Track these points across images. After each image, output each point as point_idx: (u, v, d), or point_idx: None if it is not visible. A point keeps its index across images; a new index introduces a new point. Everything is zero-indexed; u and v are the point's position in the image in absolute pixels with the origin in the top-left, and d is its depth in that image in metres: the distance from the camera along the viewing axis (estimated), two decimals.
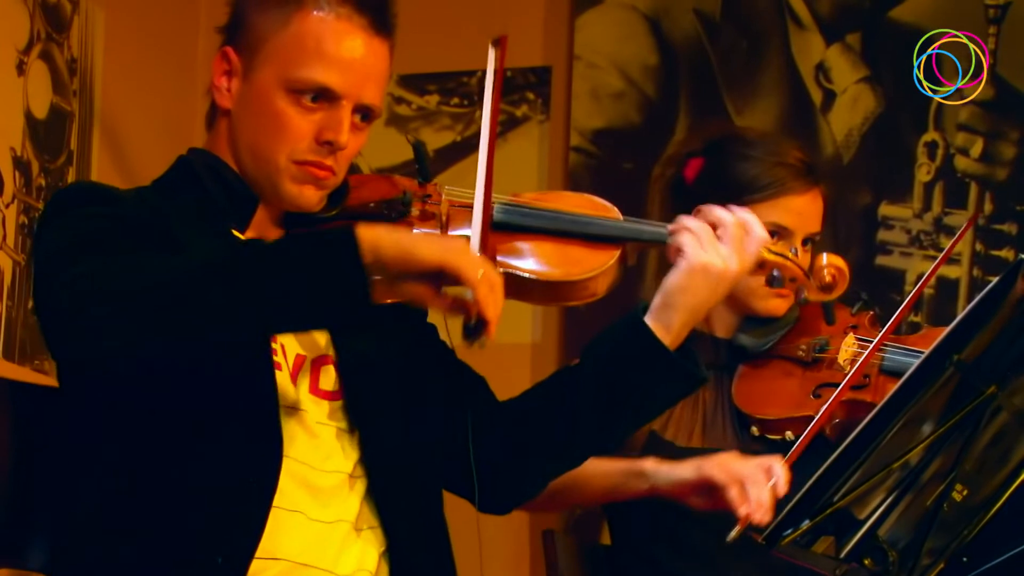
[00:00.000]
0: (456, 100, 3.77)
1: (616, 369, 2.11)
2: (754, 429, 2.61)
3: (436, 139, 3.77)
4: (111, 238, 1.89)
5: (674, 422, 2.66)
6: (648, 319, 2.09)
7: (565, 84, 3.74)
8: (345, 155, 2.06)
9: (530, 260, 2.08)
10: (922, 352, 2.54)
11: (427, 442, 2.10)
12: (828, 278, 2.22)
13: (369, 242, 1.74)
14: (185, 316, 1.76)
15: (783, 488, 2.23)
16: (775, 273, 2.16)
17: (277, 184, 2.04)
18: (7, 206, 3.10)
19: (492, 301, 1.77)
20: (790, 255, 2.18)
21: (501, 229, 2.10)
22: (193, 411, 1.91)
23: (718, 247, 2.07)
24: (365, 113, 2.07)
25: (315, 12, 2.03)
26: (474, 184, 2.08)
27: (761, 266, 2.15)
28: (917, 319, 3.49)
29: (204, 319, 1.76)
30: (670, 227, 2.12)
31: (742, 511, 2.23)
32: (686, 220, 2.11)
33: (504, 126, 3.75)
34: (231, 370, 1.88)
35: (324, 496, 1.97)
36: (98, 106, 3.43)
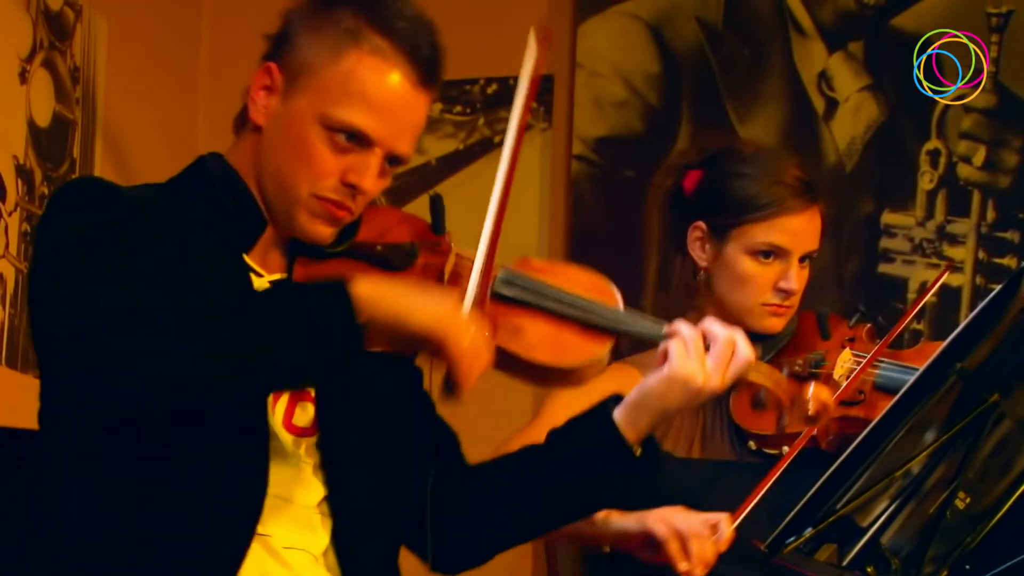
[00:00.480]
0: (459, 108, 3.77)
1: (579, 461, 2.12)
2: (751, 443, 2.61)
3: (439, 147, 3.77)
4: (113, 251, 1.87)
5: (673, 433, 2.66)
6: (617, 416, 2.09)
7: (567, 92, 3.74)
8: (365, 197, 2.04)
9: (524, 339, 2.05)
10: (917, 368, 2.55)
11: (392, 490, 2.09)
12: (811, 411, 2.20)
13: (365, 300, 1.74)
14: (180, 361, 1.76)
15: (725, 545, 2.27)
16: (760, 395, 2.23)
17: (293, 214, 2.02)
18: (10, 214, 3.10)
19: (472, 371, 1.77)
20: (779, 378, 2.16)
21: (500, 300, 2.07)
22: (182, 435, 1.91)
23: (704, 362, 2.06)
24: (393, 160, 2.05)
25: (369, 54, 2.00)
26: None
27: (748, 385, 2.14)
28: (920, 327, 3.49)
29: (199, 367, 1.76)
30: (665, 329, 2.10)
31: (682, 567, 2.27)
32: (681, 326, 2.09)
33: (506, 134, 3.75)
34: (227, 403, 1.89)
35: (291, 523, 1.97)
36: (100, 114, 3.43)
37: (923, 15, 3.54)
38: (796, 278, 2.65)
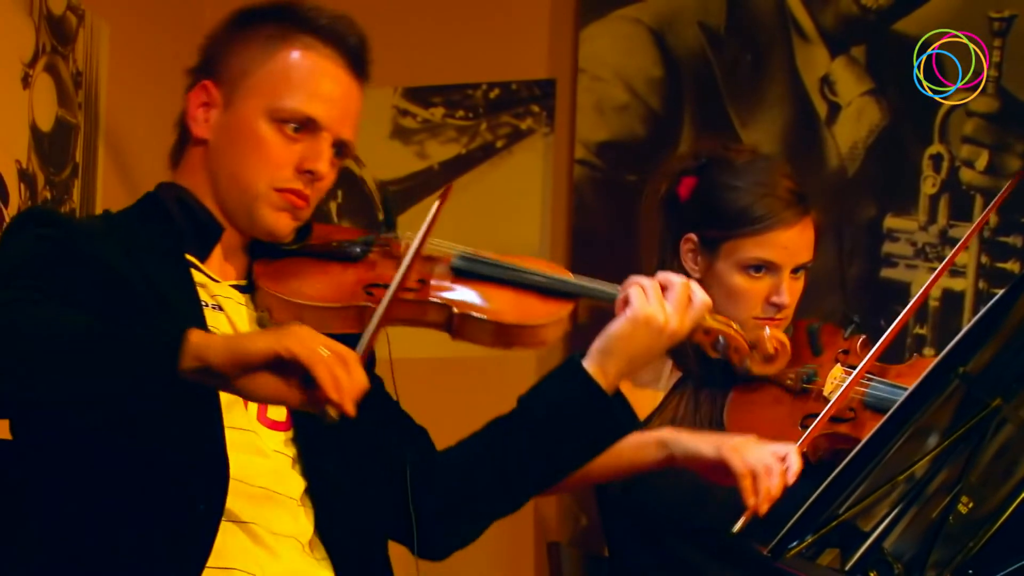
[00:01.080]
0: (461, 112, 3.77)
1: (554, 412, 2.18)
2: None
3: (441, 151, 3.77)
4: (15, 259, 1.93)
5: None
6: (585, 362, 2.16)
7: (569, 97, 3.74)
8: (319, 188, 2.13)
9: (486, 304, 2.16)
10: (906, 388, 2.56)
11: (368, 485, 2.13)
12: (772, 350, 2.27)
13: (195, 346, 1.73)
14: (40, 373, 1.77)
15: (793, 478, 2.28)
16: (720, 340, 2.26)
17: (254, 211, 2.10)
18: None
19: (335, 380, 1.73)
20: (733, 325, 2.26)
21: (462, 276, 2.19)
22: (138, 435, 1.92)
23: (663, 303, 2.15)
24: (339, 149, 2.14)
25: (300, 49, 2.11)
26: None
27: (706, 332, 2.24)
28: (923, 331, 3.49)
29: (58, 379, 1.77)
30: (622, 286, 2.19)
31: (750, 502, 2.25)
32: (637, 277, 2.19)
33: (509, 139, 3.75)
34: (176, 396, 1.90)
35: (277, 512, 1.99)
36: (103, 119, 3.43)
37: (925, 19, 3.54)
38: (787, 292, 2.65)
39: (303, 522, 2.03)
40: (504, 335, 2.17)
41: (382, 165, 3.73)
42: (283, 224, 2.12)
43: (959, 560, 1.97)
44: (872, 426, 2.34)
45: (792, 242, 2.65)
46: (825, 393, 2.59)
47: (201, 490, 1.93)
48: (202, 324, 2.01)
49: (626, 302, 2.16)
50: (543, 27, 3.78)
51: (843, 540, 1.94)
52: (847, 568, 1.96)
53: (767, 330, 2.30)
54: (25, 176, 3.16)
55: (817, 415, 2.48)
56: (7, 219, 3.08)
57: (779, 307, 2.63)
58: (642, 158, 3.65)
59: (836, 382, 2.59)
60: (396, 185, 3.74)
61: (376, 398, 2.20)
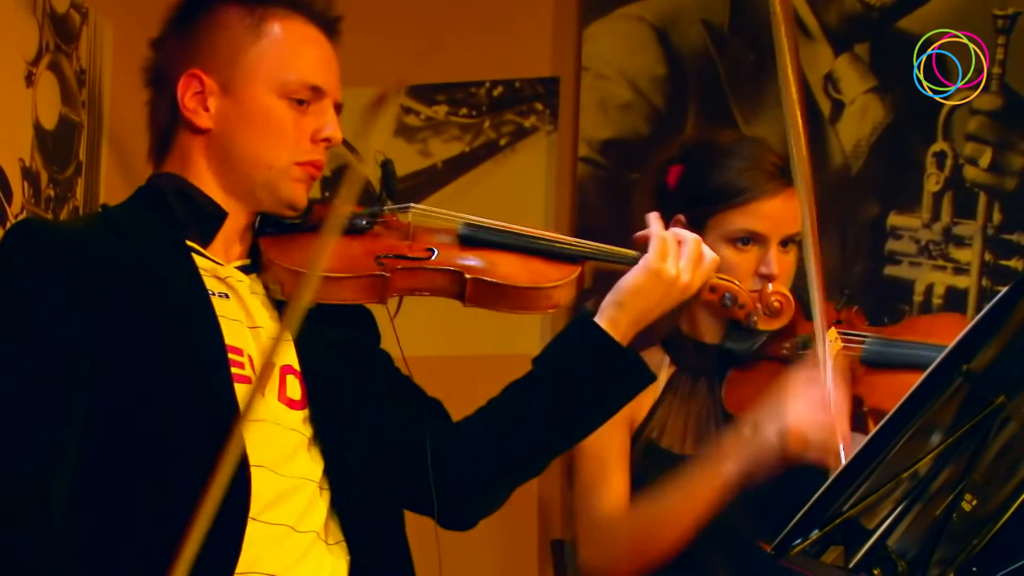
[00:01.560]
0: (465, 110, 3.77)
1: (569, 368, 2.20)
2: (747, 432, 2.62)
3: (445, 150, 3.77)
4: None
5: (668, 430, 2.68)
6: (597, 317, 2.18)
7: (573, 95, 3.74)
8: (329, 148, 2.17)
9: (497, 269, 2.20)
10: (902, 342, 2.58)
11: (387, 460, 2.14)
12: (776, 304, 2.31)
13: None
14: None
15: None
16: (727, 295, 2.29)
17: (277, 187, 2.12)
18: (15, 217, 3.10)
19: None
20: (737, 282, 2.31)
21: (469, 244, 2.23)
22: (158, 439, 1.94)
23: (677, 258, 2.18)
24: (336, 111, 2.17)
25: (280, 22, 2.13)
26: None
27: (713, 290, 2.27)
28: None
29: None
30: (638, 235, 2.24)
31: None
32: (654, 228, 2.23)
33: (512, 137, 3.75)
34: (191, 394, 1.92)
35: (298, 506, 1.99)
36: (107, 117, 3.44)
37: (929, 17, 3.54)
38: (776, 263, 2.66)
39: (319, 509, 2.02)
40: (516, 298, 2.20)
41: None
42: (303, 195, 2.16)
43: (963, 558, 1.97)
44: (869, 383, 2.37)
45: (776, 212, 2.67)
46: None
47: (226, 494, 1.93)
48: (211, 315, 2.02)
49: (644, 241, 2.20)
50: (547, 25, 3.77)
51: (847, 537, 1.94)
52: (851, 565, 1.95)
53: (769, 286, 2.33)
54: (28, 174, 3.16)
55: None
56: (10, 217, 3.08)
57: (768, 278, 2.64)
58: (645, 156, 3.65)
59: (832, 344, 2.61)
60: (399, 183, 3.73)
61: (386, 373, 2.22)
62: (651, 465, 2.65)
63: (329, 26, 2.18)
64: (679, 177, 2.74)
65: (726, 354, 2.68)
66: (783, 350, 2.62)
